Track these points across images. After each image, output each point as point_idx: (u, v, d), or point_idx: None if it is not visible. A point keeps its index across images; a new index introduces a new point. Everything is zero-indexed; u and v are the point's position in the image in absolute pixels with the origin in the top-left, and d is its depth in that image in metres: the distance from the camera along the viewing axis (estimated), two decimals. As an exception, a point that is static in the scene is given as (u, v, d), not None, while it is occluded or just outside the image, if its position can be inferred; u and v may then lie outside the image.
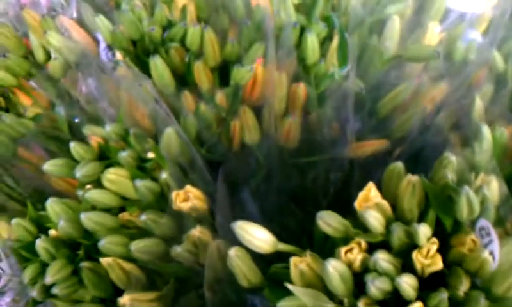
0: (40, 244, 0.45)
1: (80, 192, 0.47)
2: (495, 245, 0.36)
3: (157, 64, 0.50)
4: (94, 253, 0.45)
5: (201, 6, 0.56)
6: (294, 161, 0.51)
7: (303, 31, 0.51)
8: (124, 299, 0.44)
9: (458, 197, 0.38)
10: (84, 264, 0.45)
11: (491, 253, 0.36)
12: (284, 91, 0.50)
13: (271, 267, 0.41)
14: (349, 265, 0.38)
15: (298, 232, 0.48)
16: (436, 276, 0.37)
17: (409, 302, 0.36)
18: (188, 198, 0.45)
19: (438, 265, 0.37)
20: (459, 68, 0.50)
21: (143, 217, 0.45)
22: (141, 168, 0.48)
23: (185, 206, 0.45)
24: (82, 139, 0.49)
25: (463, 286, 0.36)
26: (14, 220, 0.47)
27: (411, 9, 0.53)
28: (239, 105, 0.50)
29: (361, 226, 0.39)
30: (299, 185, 0.52)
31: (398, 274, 0.37)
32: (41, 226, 0.47)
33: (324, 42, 0.52)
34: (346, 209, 0.40)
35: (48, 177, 0.51)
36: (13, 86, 0.55)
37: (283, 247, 0.40)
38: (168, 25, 0.53)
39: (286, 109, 0.51)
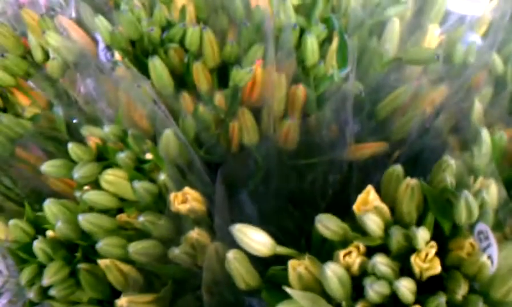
0: (38, 245, 0.45)
1: (78, 193, 0.46)
2: (494, 250, 0.36)
3: (156, 65, 0.50)
4: (91, 255, 0.45)
5: (201, 7, 0.56)
6: (293, 163, 0.51)
7: (302, 32, 0.51)
8: (121, 301, 0.43)
9: (457, 201, 0.38)
10: (82, 266, 0.45)
11: (490, 257, 0.36)
12: (283, 92, 0.50)
13: (269, 269, 0.41)
14: (348, 268, 0.37)
15: (296, 234, 0.48)
16: (434, 280, 0.37)
17: (408, 305, 0.36)
18: (186, 200, 0.45)
19: (437, 269, 0.37)
20: (459, 70, 0.50)
21: (141, 218, 0.45)
22: (139, 169, 0.48)
23: (183, 208, 0.45)
24: (81, 140, 0.49)
25: (461, 290, 0.36)
26: (11, 221, 0.46)
27: (411, 11, 0.53)
28: (237, 107, 0.50)
29: (359, 229, 0.39)
30: (298, 187, 0.52)
31: (396, 277, 0.37)
32: (39, 227, 0.47)
33: (324, 44, 0.52)
34: (344, 211, 0.40)
35: (45, 178, 0.51)
36: (11, 85, 0.55)
37: (281, 250, 0.40)
38: (167, 26, 0.52)
39: (285, 111, 0.51)
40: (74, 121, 0.53)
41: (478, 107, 0.46)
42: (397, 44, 0.52)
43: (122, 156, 0.47)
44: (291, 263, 0.38)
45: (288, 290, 0.38)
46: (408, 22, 0.53)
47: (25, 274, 0.45)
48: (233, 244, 0.40)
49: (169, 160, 0.47)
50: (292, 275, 0.38)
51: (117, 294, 0.44)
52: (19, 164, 0.54)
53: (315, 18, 0.52)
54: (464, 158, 0.41)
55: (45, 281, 0.44)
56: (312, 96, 0.51)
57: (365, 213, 0.38)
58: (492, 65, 0.50)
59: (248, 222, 0.40)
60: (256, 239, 0.39)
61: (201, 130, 0.51)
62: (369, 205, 0.38)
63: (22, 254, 0.46)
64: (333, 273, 0.36)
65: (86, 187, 0.47)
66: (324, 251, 0.40)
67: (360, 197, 0.39)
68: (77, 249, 0.46)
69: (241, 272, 0.40)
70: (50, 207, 0.46)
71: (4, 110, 0.55)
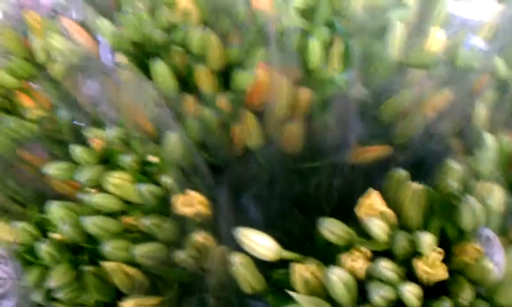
0: (44, 248, 0.45)
1: (83, 196, 0.46)
2: (499, 255, 0.36)
3: (159, 67, 0.50)
4: (97, 257, 0.45)
5: (204, 9, 0.56)
6: (297, 166, 0.51)
7: (305, 35, 0.51)
8: (127, 304, 0.44)
9: (461, 205, 0.38)
10: (87, 268, 0.45)
11: (495, 263, 0.36)
12: (287, 95, 0.50)
13: (274, 273, 0.41)
14: (353, 273, 0.38)
15: (301, 237, 0.48)
16: (439, 284, 0.38)
17: (413, 310, 0.36)
18: (191, 203, 0.45)
19: (441, 274, 0.37)
20: (462, 74, 0.50)
21: (146, 221, 0.45)
22: (144, 172, 0.48)
23: (188, 211, 0.45)
24: (84, 142, 0.49)
25: (466, 295, 0.37)
26: (17, 224, 0.47)
27: (414, 15, 0.53)
28: (241, 110, 0.50)
29: (364, 233, 0.39)
30: (302, 191, 0.52)
31: (402, 282, 0.37)
32: (43, 230, 0.47)
33: (327, 47, 0.52)
34: (349, 215, 0.40)
35: (49, 179, 0.51)
36: (15, 88, 0.55)
37: (286, 254, 0.40)
38: (170, 28, 0.53)
39: (289, 114, 0.51)
40: (77, 123, 0.53)
41: (481, 111, 0.46)
42: (400, 48, 0.52)
43: (127, 159, 0.47)
44: (296, 267, 0.39)
45: (293, 294, 0.38)
46: (411, 25, 0.53)
47: (31, 277, 0.45)
48: (238, 247, 0.40)
49: (173, 163, 0.47)
50: (296, 280, 0.39)
51: (122, 297, 0.45)
52: (23, 166, 0.54)
53: (319, 21, 0.53)
54: (468, 162, 0.41)
55: (52, 283, 0.44)
56: (315, 99, 0.51)
57: (369, 218, 0.38)
58: (495, 69, 0.50)
59: (252, 225, 0.40)
60: (261, 243, 0.39)
61: (204, 133, 0.51)
62: (374, 210, 0.39)
63: (28, 257, 0.47)
64: (338, 278, 0.37)
65: (90, 190, 0.47)
66: (328, 253, 0.41)
67: (365, 202, 0.39)
68: (83, 252, 0.46)
69: (246, 276, 0.40)
70: (55, 210, 0.46)
71: (9, 112, 0.55)
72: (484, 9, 0.52)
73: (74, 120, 0.54)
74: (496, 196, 0.38)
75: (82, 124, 0.52)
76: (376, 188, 0.40)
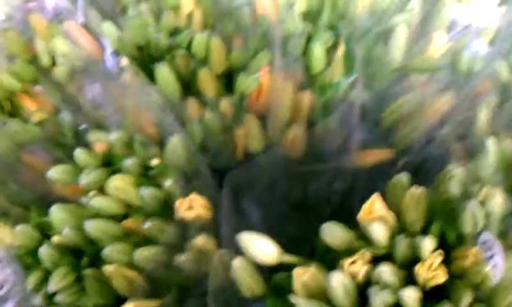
0: (44, 251, 0.45)
1: (84, 199, 0.46)
2: (498, 259, 0.36)
3: (163, 71, 0.50)
4: (98, 260, 0.45)
5: (208, 13, 0.56)
6: (299, 170, 0.51)
7: (309, 39, 0.51)
8: (127, 307, 0.44)
9: (462, 210, 0.38)
10: (88, 271, 0.45)
11: (494, 267, 0.36)
12: (289, 99, 0.50)
13: (274, 277, 0.41)
14: (353, 277, 0.38)
15: (302, 241, 0.48)
16: (439, 287, 0.37)
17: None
18: (192, 206, 0.45)
19: (441, 278, 0.37)
20: (465, 79, 0.50)
21: (147, 224, 0.45)
22: (146, 176, 0.48)
23: (189, 214, 0.45)
24: (87, 145, 0.49)
25: (465, 299, 0.36)
26: (18, 227, 0.47)
27: (417, 19, 0.53)
28: (244, 114, 0.50)
29: (365, 237, 0.39)
30: (304, 194, 0.52)
31: (402, 286, 0.37)
32: (44, 233, 0.47)
33: (330, 51, 0.52)
34: (350, 218, 0.40)
35: (51, 182, 0.51)
36: (18, 91, 0.55)
37: (287, 258, 0.40)
38: (174, 32, 0.53)
39: (291, 118, 0.51)
40: (81, 127, 0.53)
41: (483, 115, 0.46)
42: (403, 52, 0.52)
43: (129, 162, 0.47)
44: (296, 271, 0.38)
45: (293, 298, 0.38)
46: (414, 30, 0.53)
47: (32, 280, 0.45)
48: (239, 251, 0.40)
49: (176, 167, 0.47)
50: (297, 284, 0.38)
51: (123, 300, 0.44)
52: (25, 168, 0.54)
53: (322, 25, 0.53)
54: (469, 167, 0.41)
55: (52, 287, 0.44)
56: (318, 104, 0.51)
57: (370, 223, 0.38)
58: (498, 73, 0.50)
59: (253, 229, 0.40)
60: (262, 249, 0.39)
61: (207, 137, 0.51)
62: (374, 214, 0.39)
63: (29, 260, 0.47)
64: (339, 282, 0.37)
65: (92, 193, 0.47)
66: (329, 257, 0.41)
67: (366, 207, 0.39)
68: (83, 255, 0.46)
69: (247, 280, 0.40)
70: (57, 213, 0.46)
71: (11, 115, 0.55)
72: (486, 14, 0.52)
73: (78, 124, 0.54)
74: (496, 200, 0.38)
75: (85, 127, 0.52)
76: (377, 192, 0.39)
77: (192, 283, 0.46)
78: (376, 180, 0.46)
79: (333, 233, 0.39)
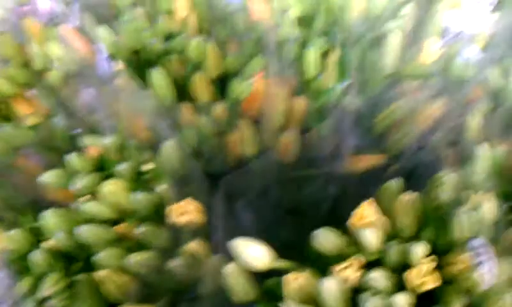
0: (36, 256, 0.45)
1: (77, 204, 0.46)
2: (491, 265, 0.36)
3: (157, 75, 0.50)
4: (90, 266, 0.45)
5: (202, 18, 0.56)
6: (292, 175, 0.51)
7: (303, 45, 0.51)
8: (120, 312, 0.44)
9: (454, 216, 0.38)
10: (80, 276, 0.45)
11: (486, 273, 0.36)
12: (283, 105, 0.50)
13: (266, 282, 0.41)
14: (345, 282, 0.38)
15: (295, 246, 0.48)
16: (431, 293, 0.38)
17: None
18: (186, 211, 0.45)
19: (433, 284, 0.37)
20: (457, 85, 0.50)
21: (140, 229, 0.45)
22: (139, 180, 0.48)
23: (182, 219, 0.45)
24: (80, 150, 0.49)
25: (457, 304, 0.37)
26: (10, 231, 0.47)
27: (410, 26, 0.53)
28: (238, 119, 0.50)
29: (357, 243, 0.39)
30: (296, 199, 0.52)
31: (394, 291, 0.37)
32: (37, 237, 0.47)
33: (324, 56, 0.52)
34: (342, 223, 0.40)
35: (44, 187, 0.51)
36: (12, 95, 0.55)
37: (279, 263, 0.40)
38: (168, 36, 0.53)
39: (284, 123, 0.51)
40: (75, 131, 0.53)
41: (475, 122, 0.46)
42: (396, 58, 0.52)
43: (122, 167, 0.47)
44: (288, 277, 0.38)
45: (285, 304, 0.38)
46: (407, 36, 0.53)
47: (24, 285, 0.45)
48: (231, 256, 0.40)
49: (169, 171, 0.47)
50: (289, 289, 0.39)
51: (115, 305, 0.44)
52: (19, 172, 0.54)
53: (316, 31, 0.53)
54: (461, 173, 0.41)
55: (44, 292, 0.44)
56: (311, 109, 0.51)
57: (362, 228, 0.38)
58: (490, 79, 0.50)
59: (246, 234, 0.40)
60: (255, 255, 0.39)
61: (201, 142, 0.51)
62: (366, 220, 0.39)
63: (21, 264, 0.46)
64: (331, 288, 0.37)
65: (85, 198, 0.47)
66: (322, 264, 0.41)
67: (357, 212, 0.39)
68: (76, 260, 0.46)
69: (239, 286, 0.40)
70: (49, 217, 0.46)
71: (5, 119, 0.55)
72: (479, 20, 0.52)
73: (72, 128, 0.54)
74: (488, 206, 0.38)
75: (79, 131, 0.52)
76: (369, 198, 0.39)
77: (185, 288, 0.46)
78: (368, 185, 0.46)
79: (325, 239, 0.39)
